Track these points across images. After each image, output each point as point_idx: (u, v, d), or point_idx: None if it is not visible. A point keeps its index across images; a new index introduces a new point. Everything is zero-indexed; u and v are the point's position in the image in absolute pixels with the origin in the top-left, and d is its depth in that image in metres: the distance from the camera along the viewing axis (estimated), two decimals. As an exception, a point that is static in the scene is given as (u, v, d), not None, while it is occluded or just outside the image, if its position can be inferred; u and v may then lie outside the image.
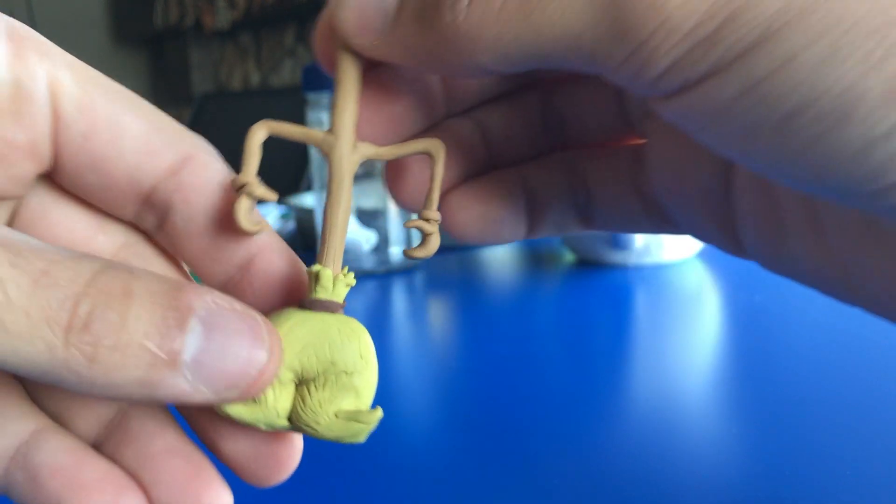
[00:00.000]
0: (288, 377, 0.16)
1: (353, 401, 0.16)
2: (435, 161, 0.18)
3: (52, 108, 0.15)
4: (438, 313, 0.54)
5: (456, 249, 0.68)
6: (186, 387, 0.13)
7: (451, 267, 0.64)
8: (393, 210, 0.61)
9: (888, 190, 0.12)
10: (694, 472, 0.29)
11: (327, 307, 0.16)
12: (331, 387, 0.16)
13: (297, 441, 0.18)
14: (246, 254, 0.17)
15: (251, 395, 0.14)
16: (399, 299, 0.57)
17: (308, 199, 0.77)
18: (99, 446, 0.17)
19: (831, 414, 0.34)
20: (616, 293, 0.54)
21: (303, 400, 0.16)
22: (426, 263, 0.65)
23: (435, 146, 0.18)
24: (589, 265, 0.61)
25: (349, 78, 0.17)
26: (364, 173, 0.60)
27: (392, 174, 0.20)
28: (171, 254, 0.19)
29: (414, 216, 0.19)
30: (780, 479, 0.28)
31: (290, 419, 0.16)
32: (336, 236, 0.17)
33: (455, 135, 0.20)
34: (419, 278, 0.61)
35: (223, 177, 0.17)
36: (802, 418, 0.33)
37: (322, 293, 0.16)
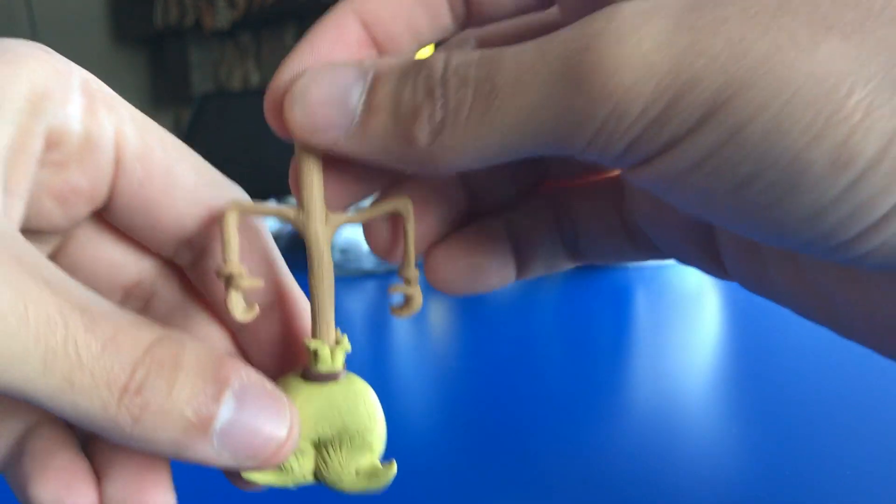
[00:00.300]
0: (307, 446, 0.18)
1: (368, 456, 0.18)
2: (406, 219, 0.18)
3: (115, 158, 0.17)
4: (438, 313, 0.54)
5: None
6: (212, 452, 0.15)
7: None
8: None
9: (846, 245, 0.13)
10: (694, 472, 0.29)
11: (330, 377, 0.18)
12: (347, 447, 0.18)
13: None
14: (267, 302, 0.19)
15: (267, 467, 0.16)
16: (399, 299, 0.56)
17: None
18: (90, 441, 0.18)
19: (831, 414, 0.34)
20: (616, 293, 0.54)
21: (325, 463, 0.18)
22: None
23: (403, 205, 0.18)
24: (589, 265, 0.61)
25: (309, 151, 0.17)
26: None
27: (371, 237, 0.19)
28: (199, 290, 0.20)
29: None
30: (780, 479, 0.28)
31: (315, 475, 0.18)
32: (325, 309, 0.18)
33: (434, 186, 0.19)
34: (419, 278, 0.61)
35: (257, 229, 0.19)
36: (802, 418, 0.33)
37: (323, 366, 0.18)
